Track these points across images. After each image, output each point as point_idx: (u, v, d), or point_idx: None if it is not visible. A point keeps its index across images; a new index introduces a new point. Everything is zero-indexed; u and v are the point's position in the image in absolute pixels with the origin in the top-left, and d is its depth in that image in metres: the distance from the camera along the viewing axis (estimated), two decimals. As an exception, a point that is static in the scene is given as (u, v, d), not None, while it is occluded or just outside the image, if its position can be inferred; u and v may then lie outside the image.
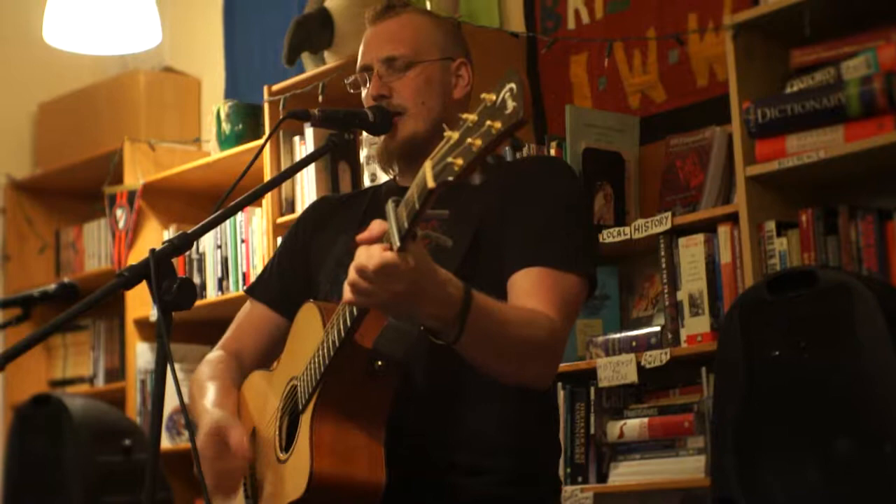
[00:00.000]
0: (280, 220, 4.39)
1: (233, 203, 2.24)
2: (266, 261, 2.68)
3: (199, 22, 5.49)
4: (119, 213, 5.02)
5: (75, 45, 4.87)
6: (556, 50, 3.98)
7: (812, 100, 3.12)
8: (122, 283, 2.02)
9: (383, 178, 2.61)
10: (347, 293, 1.92)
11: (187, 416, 2.07)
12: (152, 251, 2.02)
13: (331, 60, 4.20)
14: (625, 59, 3.91)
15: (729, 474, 2.74)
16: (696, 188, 3.51)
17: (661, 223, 3.47)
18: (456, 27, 2.52)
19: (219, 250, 4.71)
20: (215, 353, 2.48)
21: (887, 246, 3.12)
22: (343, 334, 2.05)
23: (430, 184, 1.73)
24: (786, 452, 2.67)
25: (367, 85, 2.39)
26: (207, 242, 4.74)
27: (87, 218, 5.41)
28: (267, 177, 4.35)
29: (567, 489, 3.53)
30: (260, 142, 4.52)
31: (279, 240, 2.61)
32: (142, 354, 4.96)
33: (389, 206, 1.83)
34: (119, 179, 5.06)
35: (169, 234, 4.93)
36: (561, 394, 3.59)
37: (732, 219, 3.34)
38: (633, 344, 3.51)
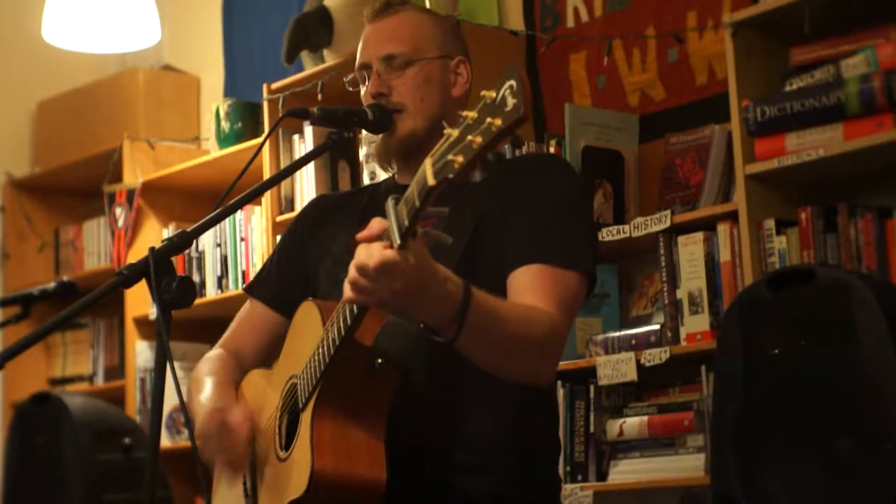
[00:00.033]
0: (279, 218, 4.39)
1: (232, 201, 2.24)
2: (265, 259, 2.68)
3: (198, 20, 5.49)
4: (118, 211, 5.02)
5: (74, 44, 4.87)
6: (555, 48, 3.98)
7: (811, 98, 3.12)
8: (122, 282, 2.02)
9: (382, 176, 2.61)
10: (348, 291, 1.92)
11: (187, 414, 2.07)
12: (152, 249, 2.02)
13: (330, 59, 4.20)
14: (624, 58, 3.91)
15: (728, 472, 2.74)
16: (695, 186, 3.51)
17: (660, 221, 3.47)
18: (455, 25, 2.52)
19: (218, 248, 4.71)
20: (214, 352, 2.48)
21: (887, 244, 3.12)
22: (343, 332, 2.05)
23: (431, 181, 1.73)
24: (785, 451, 2.67)
25: (366, 83, 2.39)
26: (207, 241, 4.74)
27: (87, 216, 5.41)
28: (266, 175, 4.35)
29: (567, 488, 3.53)
30: (259, 140, 4.51)
31: (278, 238, 2.61)
32: (141, 353, 4.96)
33: (389, 203, 1.83)
34: (118, 178, 5.06)
35: (168, 232, 4.93)
36: (560, 392, 3.59)
37: (732, 217, 3.34)
38: (633, 342, 3.51)
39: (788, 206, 3.26)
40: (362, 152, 4.12)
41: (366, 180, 4.10)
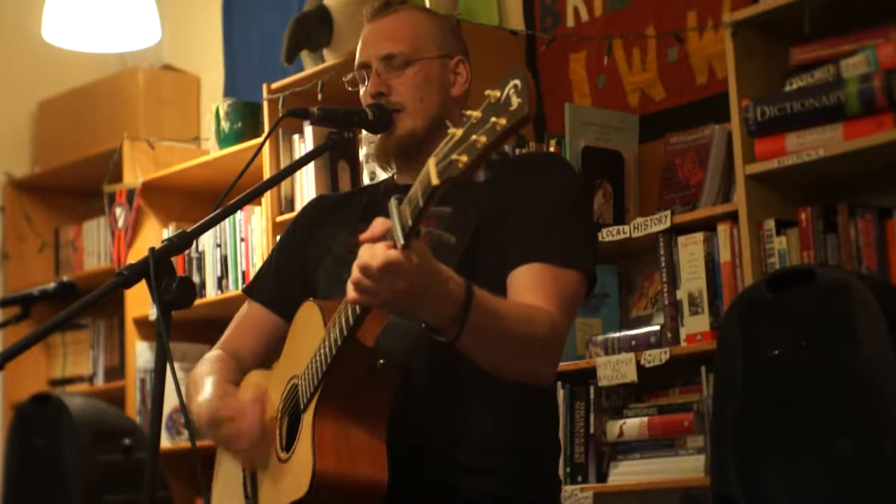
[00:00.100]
0: (279, 218, 4.39)
1: (232, 201, 2.24)
2: (265, 260, 2.67)
3: (198, 20, 5.49)
4: (118, 211, 5.02)
5: (74, 43, 4.87)
6: (555, 48, 3.97)
7: (811, 98, 3.12)
8: (122, 282, 2.02)
9: (382, 176, 2.61)
10: (351, 292, 1.92)
11: (187, 415, 2.07)
12: (152, 250, 2.02)
13: (330, 58, 4.20)
14: (624, 57, 3.91)
15: (729, 473, 2.74)
16: (695, 186, 3.50)
17: (660, 222, 3.47)
18: (454, 24, 2.52)
19: (218, 249, 4.71)
20: (213, 353, 2.48)
21: (887, 244, 3.12)
22: (345, 333, 2.05)
23: (435, 181, 1.73)
24: (786, 451, 2.66)
25: (366, 82, 2.38)
26: (207, 241, 4.74)
27: (87, 216, 5.41)
28: (266, 175, 4.35)
29: (567, 489, 3.52)
30: (259, 140, 4.51)
31: (278, 238, 2.60)
32: (141, 353, 4.96)
33: (392, 203, 1.83)
34: (118, 178, 5.06)
35: (168, 232, 4.92)
36: (560, 393, 3.59)
37: (732, 217, 3.34)
38: (633, 343, 3.51)
39: (788, 207, 3.26)
40: (362, 152, 4.12)
41: (366, 180, 4.10)
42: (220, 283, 4.69)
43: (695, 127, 3.58)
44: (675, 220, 3.45)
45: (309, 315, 2.24)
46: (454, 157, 1.70)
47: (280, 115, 2.62)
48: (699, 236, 3.41)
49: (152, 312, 4.78)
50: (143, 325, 4.96)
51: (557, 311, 2.16)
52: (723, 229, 3.36)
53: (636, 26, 3.88)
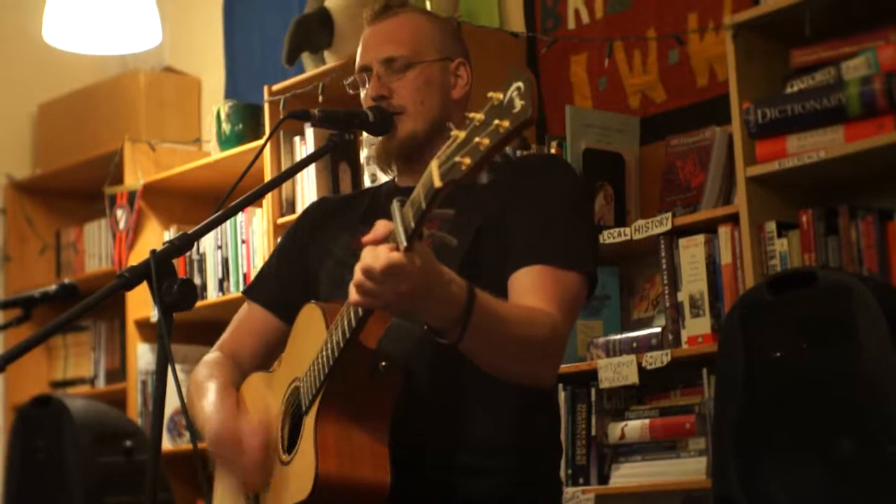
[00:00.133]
0: (280, 220, 4.39)
1: (233, 203, 2.24)
2: (267, 260, 2.68)
3: (199, 22, 5.49)
4: (119, 213, 5.02)
5: (75, 45, 4.87)
6: (556, 50, 3.98)
7: (812, 100, 3.12)
8: (123, 284, 2.02)
9: (383, 178, 2.61)
10: (353, 294, 1.91)
11: (188, 417, 2.07)
12: (153, 252, 2.02)
13: (331, 60, 4.20)
14: (625, 59, 3.91)
15: (730, 475, 2.74)
16: (696, 189, 3.50)
17: (661, 224, 3.47)
18: (455, 27, 2.52)
19: (219, 251, 4.71)
20: (212, 355, 2.48)
21: (888, 246, 3.12)
22: (348, 335, 2.05)
23: (437, 183, 1.73)
24: (787, 453, 2.66)
25: (367, 85, 2.38)
26: (208, 243, 4.74)
27: (88, 218, 5.41)
28: (267, 177, 4.35)
29: (568, 491, 3.52)
30: (260, 142, 4.52)
31: (279, 240, 2.60)
32: (142, 355, 4.96)
33: (395, 205, 1.83)
34: (119, 180, 5.06)
35: (169, 234, 4.93)
36: (562, 395, 3.59)
37: (733, 219, 3.34)
38: (634, 345, 3.51)
39: (789, 209, 3.26)
40: (363, 154, 4.12)
41: (367, 182, 4.10)
42: (222, 284, 4.69)
43: (696, 129, 3.58)
44: (676, 223, 3.45)
45: (311, 317, 2.24)
46: (457, 159, 1.70)
47: (281, 117, 2.63)
48: (700, 238, 3.41)
49: (153, 314, 4.78)
50: (144, 326, 4.96)
51: (559, 314, 2.16)
52: (724, 231, 3.36)
53: (637, 28, 3.88)
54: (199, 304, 4.38)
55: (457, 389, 2.23)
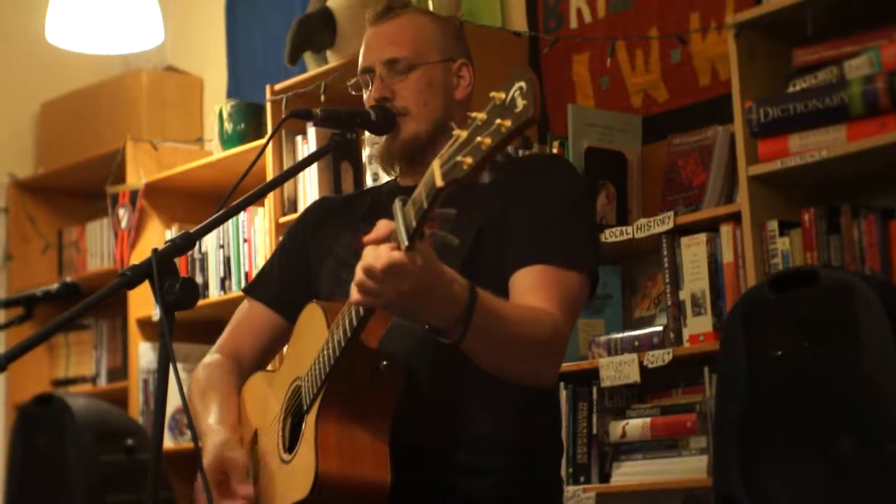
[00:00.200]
0: (282, 219, 4.39)
1: (235, 203, 2.24)
2: (268, 259, 2.68)
3: (201, 21, 5.49)
4: (121, 212, 5.02)
5: (78, 45, 4.87)
6: (558, 49, 3.97)
7: (814, 99, 3.12)
8: (125, 283, 2.02)
9: (385, 177, 2.61)
10: (354, 293, 1.92)
11: (190, 415, 2.07)
12: (155, 251, 2.02)
13: (333, 60, 4.20)
14: (627, 59, 3.91)
15: (731, 474, 2.74)
16: (698, 187, 3.50)
17: (663, 223, 3.47)
18: (457, 27, 2.52)
19: (221, 250, 4.71)
20: (213, 357, 2.47)
21: (890, 245, 3.12)
22: (349, 334, 2.05)
23: (439, 182, 1.73)
24: (788, 452, 2.66)
25: (370, 87, 2.38)
26: (210, 242, 4.74)
27: (90, 217, 5.42)
28: (269, 176, 4.35)
29: (569, 489, 3.53)
30: (262, 141, 4.52)
31: (280, 239, 2.60)
32: (144, 354, 4.96)
33: (397, 205, 1.83)
34: (121, 179, 5.06)
35: (171, 233, 4.93)
36: (563, 393, 3.59)
37: (735, 218, 3.34)
38: (636, 343, 3.51)
39: (791, 208, 3.26)
40: (365, 153, 4.12)
41: (369, 181, 4.10)
42: (223, 283, 4.70)
43: (698, 128, 3.58)
44: (678, 221, 3.45)
45: (312, 317, 2.24)
46: (459, 158, 1.70)
47: (283, 116, 2.62)
48: (702, 237, 3.41)
49: (155, 313, 4.79)
50: (146, 325, 4.96)
51: (560, 313, 2.16)
52: (726, 230, 3.36)
53: (639, 28, 3.88)
54: (200, 302, 4.37)
55: (457, 389, 2.23)
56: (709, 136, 3.53)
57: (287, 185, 4.38)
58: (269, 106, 4.42)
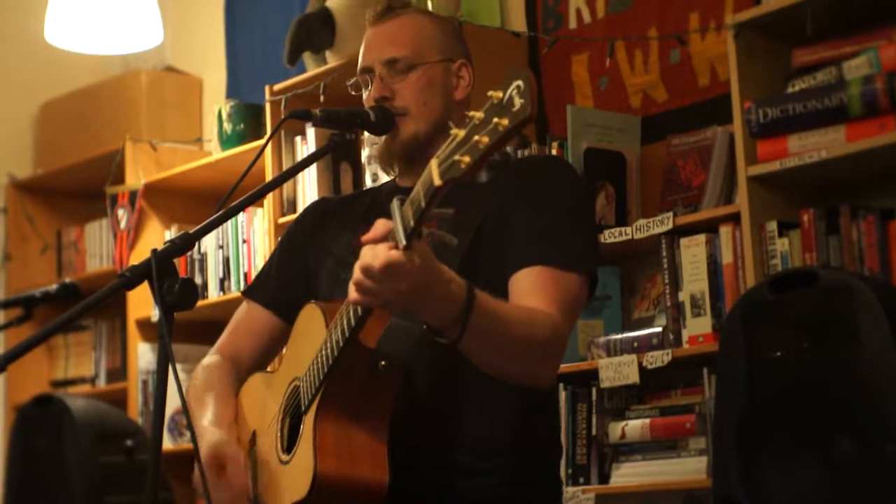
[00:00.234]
0: (281, 220, 4.39)
1: (234, 203, 2.24)
2: (267, 260, 2.68)
3: (200, 21, 5.49)
4: (121, 213, 5.02)
5: (77, 45, 4.87)
6: (557, 49, 3.97)
7: (814, 100, 3.12)
8: (124, 284, 2.02)
9: (385, 178, 2.61)
10: (352, 292, 1.92)
11: (189, 416, 2.07)
12: (154, 251, 2.02)
13: (332, 60, 4.20)
14: (626, 59, 3.91)
15: (731, 475, 2.73)
16: (697, 188, 3.50)
17: (662, 223, 3.47)
18: (457, 27, 2.52)
19: (220, 250, 4.71)
20: (211, 359, 2.47)
21: (889, 246, 3.12)
22: (347, 334, 2.05)
23: (437, 182, 1.73)
24: (788, 453, 2.66)
25: (369, 87, 2.38)
26: (209, 243, 4.74)
27: (89, 218, 5.41)
28: (268, 177, 4.35)
29: (569, 490, 3.52)
30: (261, 142, 4.52)
31: (279, 240, 2.60)
32: (143, 355, 4.96)
33: (395, 204, 1.83)
34: (120, 179, 5.06)
35: (170, 234, 4.93)
36: (562, 394, 3.59)
37: (734, 219, 3.34)
38: (635, 344, 3.51)
39: (791, 208, 3.26)
40: (364, 154, 4.12)
41: (368, 182, 4.10)
42: (223, 284, 4.70)
43: (697, 128, 3.58)
44: (678, 222, 3.45)
45: (311, 317, 2.24)
46: (456, 157, 1.70)
47: (282, 116, 2.63)
48: (701, 238, 3.41)
49: (154, 314, 4.79)
50: (145, 326, 4.96)
51: (559, 314, 2.16)
52: (725, 231, 3.36)
53: (638, 28, 3.88)
54: (200, 303, 4.38)
55: (455, 389, 2.23)
56: (708, 137, 3.53)
57: (286, 186, 4.38)
58: (268, 106, 4.42)
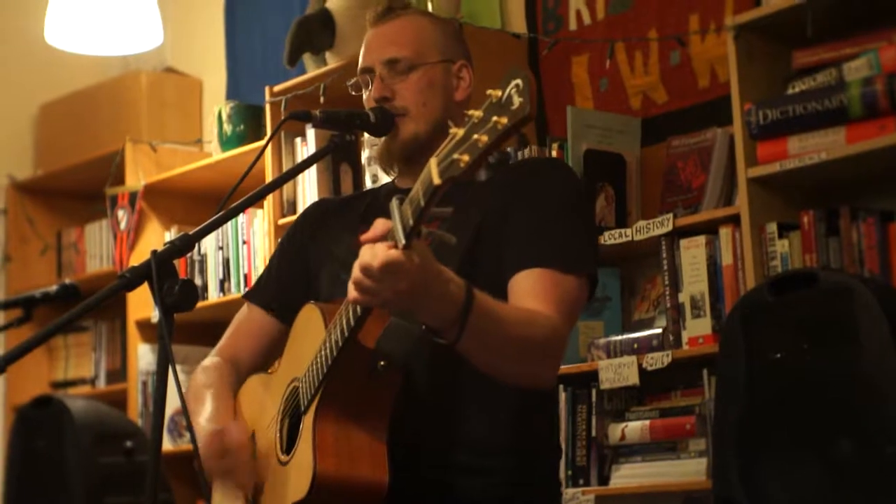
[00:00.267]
0: (281, 221, 4.39)
1: (234, 204, 2.24)
2: (267, 262, 2.68)
3: (200, 22, 5.49)
4: (120, 214, 5.02)
5: (77, 46, 4.87)
6: (557, 51, 3.97)
7: (814, 101, 3.12)
8: (124, 285, 2.02)
9: (385, 179, 2.61)
10: (352, 292, 1.92)
11: (188, 417, 2.06)
12: (154, 252, 2.02)
13: (332, 61, 4.20)
14: (626, 60, 3.91)
15: (731, 476, 2.73)
16: (697, 190, 3.50)
17: (662, 225, 3.47)
18: (457, 28, 2.52)
19: (220, 252, 4.71)
20: (211, 361, 2.48)
21: (889, 247, 3.12)
22: (346, 334, 2.05)
23: (436, 180, 1.73)
24: (788, 454, 2.66)
25: (369, 87, 2.39)
26: (209, 244, 4.74)
27: (89, 219, 5.41)
28: (268, 178, 4.35)
29: (568, 492, 3.52)
30: (261, 143, 4.52)
31: (278, 242, 2.60)
32: (143, 356, 4.96)
33: (394, 203, 1.83)
34: (120, 180, 5.06)
35: (170, 235, 4.93)
36: (562, 396, 3.59)
37: (734, 220, 3.34)
38: (635, 346, 3.51)
39: (790, 210, 3.26)
40: (364, 155, 4.12)
41: (368, 183, 4.10)
42: (223, 285, 4.69)
43: (697, 130, 3.58)
44: (678, 223, 3.45)
45: (310, 317, 2.24)
46: (456, 156, 1.70)
47: (282, 117, 2.62)
48: (701, 239, 3.41)
49: (154, 315, 4.78)
50: (145, 327, 4.96)
51: (558, 316, 2.16)
52: (725, 232, 3.36)
53: (638, 29, 3.88)
54: (199, 304, 4.38)
55: (454, 389, 2.23)
56: (708, 138, 3.53)
57: (286, 187, 4.38)
58: (268, 107, 4.42)
